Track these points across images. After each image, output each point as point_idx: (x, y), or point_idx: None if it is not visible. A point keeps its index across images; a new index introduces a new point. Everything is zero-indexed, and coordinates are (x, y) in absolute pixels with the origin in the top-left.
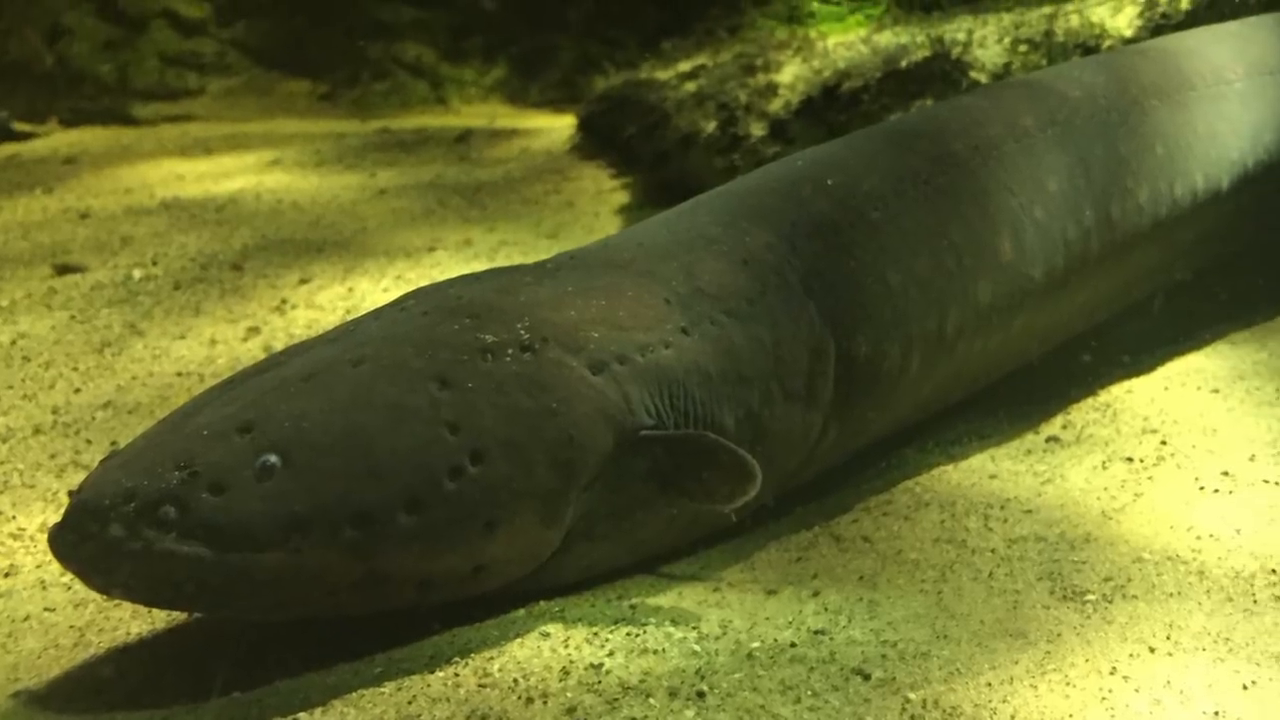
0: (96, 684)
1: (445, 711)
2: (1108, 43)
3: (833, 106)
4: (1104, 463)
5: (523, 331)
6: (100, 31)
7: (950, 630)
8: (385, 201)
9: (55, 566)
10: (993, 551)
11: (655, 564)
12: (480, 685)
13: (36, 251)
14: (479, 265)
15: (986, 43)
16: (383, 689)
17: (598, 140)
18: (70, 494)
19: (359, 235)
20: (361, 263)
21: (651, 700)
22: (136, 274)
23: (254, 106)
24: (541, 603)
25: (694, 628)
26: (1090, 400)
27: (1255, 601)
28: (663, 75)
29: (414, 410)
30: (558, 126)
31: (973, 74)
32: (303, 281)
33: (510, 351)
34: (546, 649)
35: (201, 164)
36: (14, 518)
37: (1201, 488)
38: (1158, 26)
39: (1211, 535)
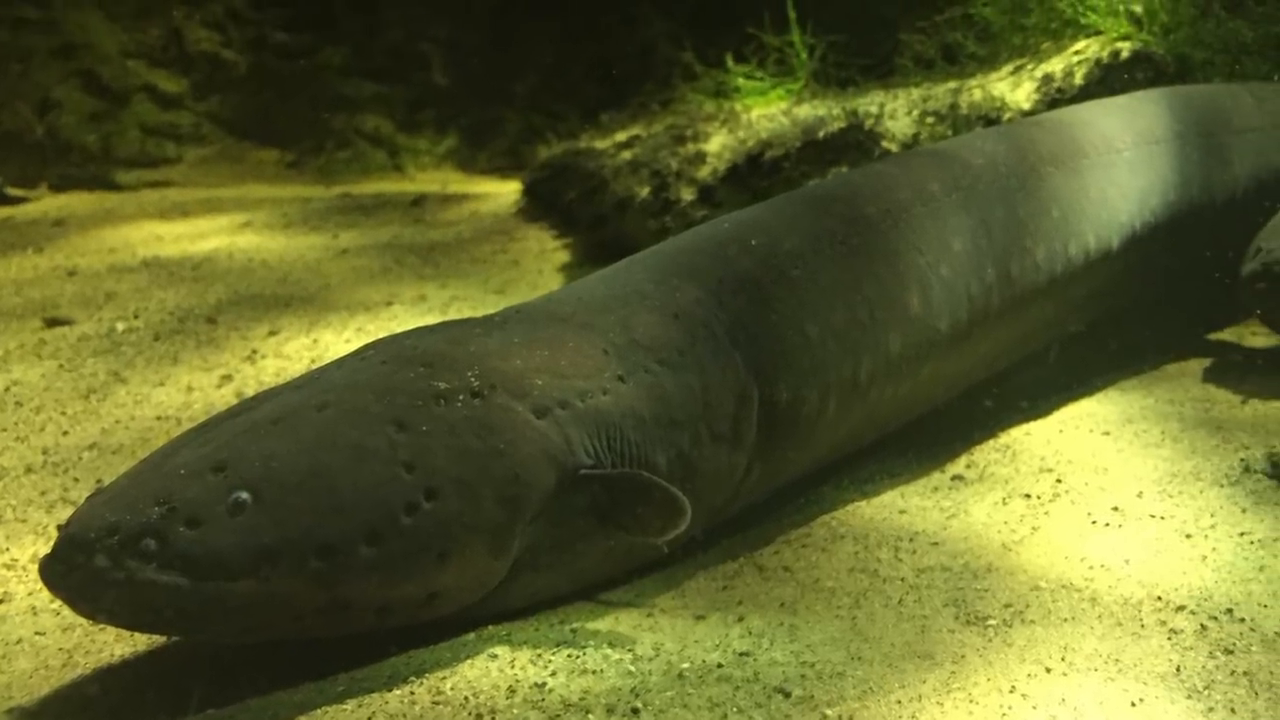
0: (83, 701)
1: None
2: (1008, 115)
3: (756, 173)
4: (1004, 499)
5: (473, 379)
6: (86, 104)
7: (864, 652)
8: (347, 260)
9: (46, 594)
10: (902, 580)
11: (594, 591)
12: (434, 702)
13: (28, 306)
14: (432, 318)
15: (897, 115)
16: (345, 706)
17: (541, 204)
18: (59, 528)
19: (323, 291)
20: (325, 316)
21: (591, 716)
22: (120, 326)
23: (227, 173)
24: (490, 627)
25: (629, 650)
26: (992, 442)
27: (1143, 626)
28: (601, 145)
29: (373, 451)
30: (504, 191)
31: (884, 144)
32: (271, 333)
33: (461, 397)
34: (494, 669)
35: (179, 226)
36: (7, 549)
37: (1094, 522)
38: (1053, 100)
39: (1103, 565)
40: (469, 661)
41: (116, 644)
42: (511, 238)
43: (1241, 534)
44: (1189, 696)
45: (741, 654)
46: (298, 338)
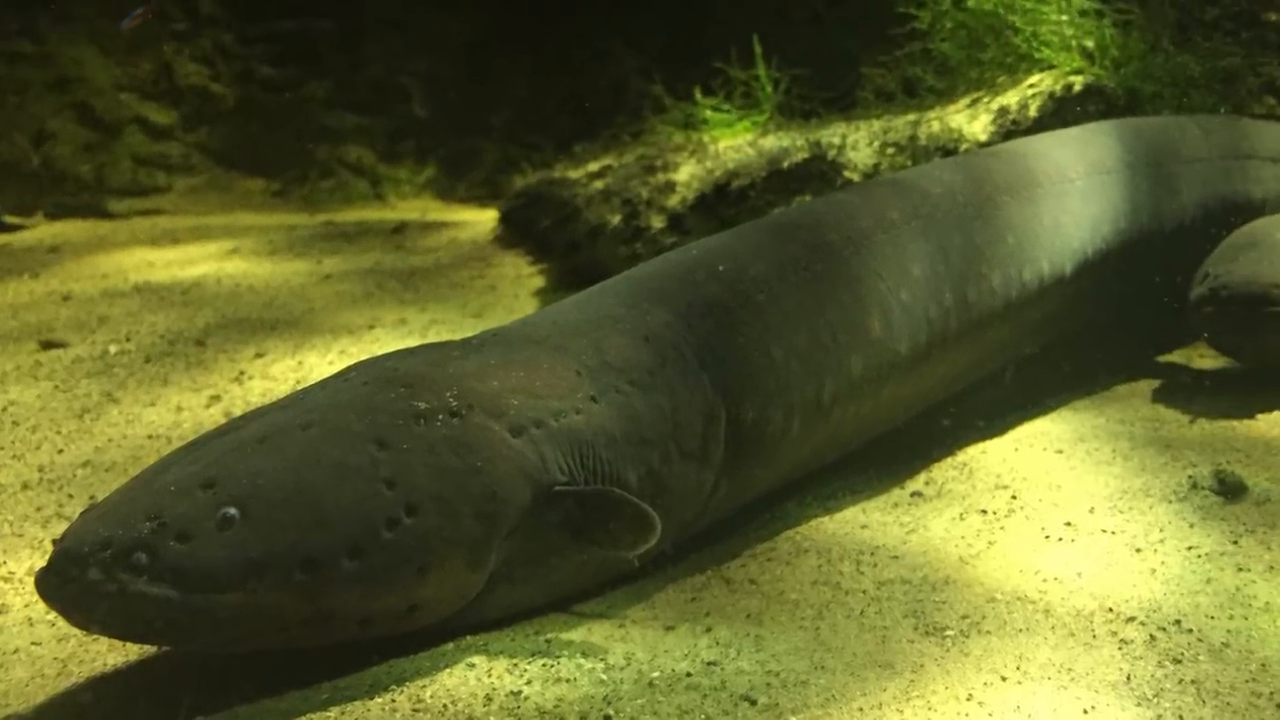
0: (77, 710)
1: None
2: (965, 146)
3: (723, 202)
4: (961, 514)
5: (451, 399)
6: (80, 136)
7: (827, 662)
8: (330, 285)
9: (41, 606)
10: (864, 592)
11: (568, 603)
12: (414, 710)
13: (24, 329)
14: (412, 341)
15: (858, 146)
16: (328, 713)
17: (517, 231)
18: (54, 542)
19: (307, 315)
20: (310, 339)
21: None
22: (112, 349)
23: (215, 202)
24: (468, 637)
25: (602, 659)
26: (949, 460)
27: (1094, 636)
28: (574, 174)
29: (356, 468)
30: (482, 219)
31: (846, 173)
32: (258, 355)
33: (440, 417)
34: (472, 678)
35: (169, 252)
36: (4, 563)
37: (1047, 536)
38: (1009, 131)
39: (1056, 578)
40: (448, 670)
41: (109, 654)
42: (489, 264)
43: (1189, 548)
44: (1139, 704)
45: (709, 663)
46: (283, 360)
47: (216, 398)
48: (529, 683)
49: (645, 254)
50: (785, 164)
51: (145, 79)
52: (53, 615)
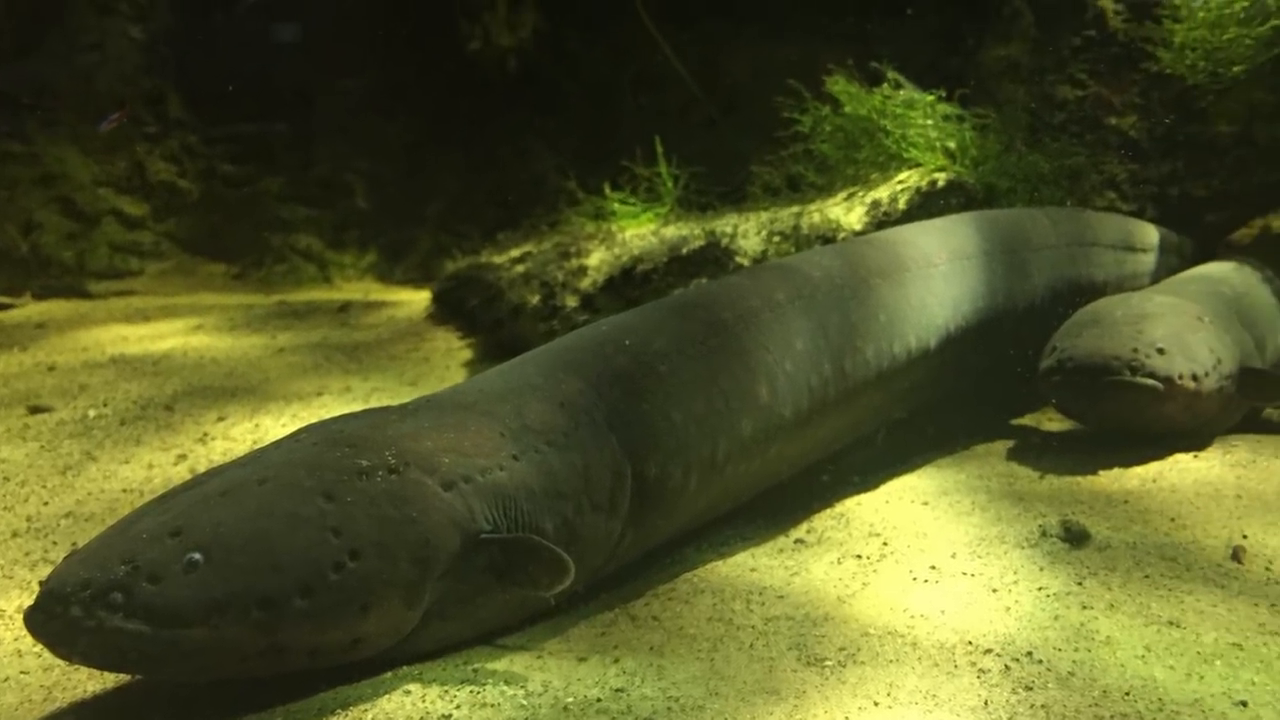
0: None
1: None
2: (842, 235)
3: (630, 284)
4: (839, 559)
5: (390, 458)
6: (63, 226)
7: (721, 689)
8: (283, 357)
9: (29, 639)
10: (753, 628)
11: (493, 637)
12: None
13: (14, 396)
14: (356, 406)
15: (748, 234)
16: None
17: (448, 310)
18: (40, 584)
19: (263, 383)
20: (265, 404)
21: None
22: (91, 413)
23: (182, 284)
24: (404, 667)
25: (522, 686)
26: (828, 511)
27: (956, 666)
28: (498, 260)
29: (306, 518)
30: (417, 299)
31: (738, 259)
32: (220, 419)
33: (380, 473)
34: (408, 703)
35: (142, 328)
36: None
37: (915, 578)
38: (880, 222)
39: (922, 615)
40: (386, 696)
41: (89, 682)
42: (423, 338)
43: (1040, 589)
44: None
45: (617, 690)
46: (242, 423)
47: (183, 456)
48: (458, 707)
49: (561, 330)
50: (684, 250)
51: (120, 176)
52: (39, 648)
